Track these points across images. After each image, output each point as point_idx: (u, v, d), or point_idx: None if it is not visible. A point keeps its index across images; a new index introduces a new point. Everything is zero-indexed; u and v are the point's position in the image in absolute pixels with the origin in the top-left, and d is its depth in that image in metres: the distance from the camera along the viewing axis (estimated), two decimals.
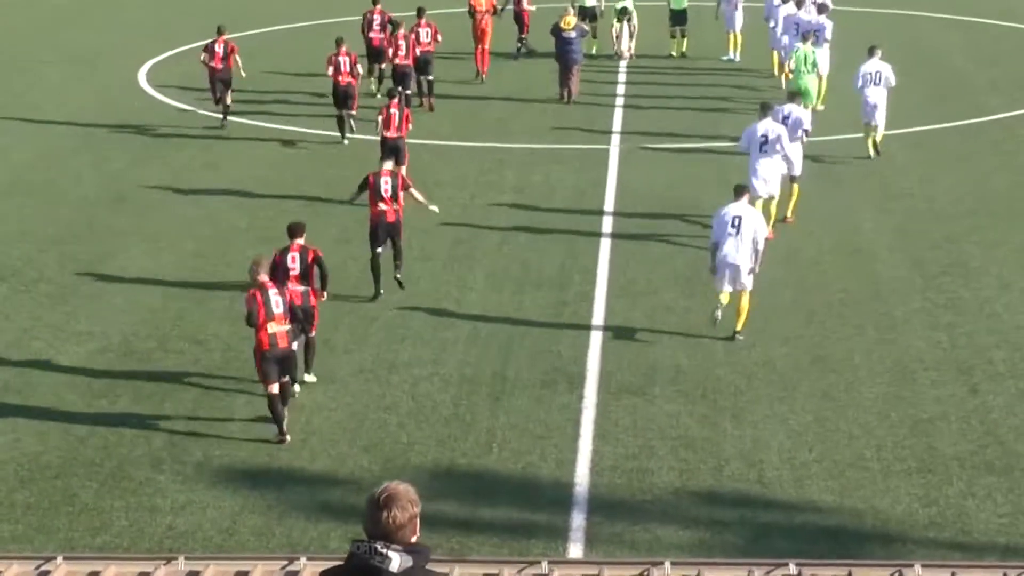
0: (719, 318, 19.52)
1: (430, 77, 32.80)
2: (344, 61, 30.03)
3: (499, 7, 37.10)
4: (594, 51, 37.68)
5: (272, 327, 16.75)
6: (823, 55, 31.24)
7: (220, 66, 31.13)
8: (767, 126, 23.68)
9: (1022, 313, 20.29)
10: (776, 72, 34.60)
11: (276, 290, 16.92)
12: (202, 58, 31.54)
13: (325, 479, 15.76)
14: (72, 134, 31.08)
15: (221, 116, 31.27)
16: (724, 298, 19.67)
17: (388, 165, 21.49)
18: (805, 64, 30.10)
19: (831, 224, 24.33)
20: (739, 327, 19.68)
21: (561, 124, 31.34)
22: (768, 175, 23.61)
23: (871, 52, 28.64)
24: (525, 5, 37.85)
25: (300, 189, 25.79)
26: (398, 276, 21.55)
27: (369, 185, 21.27)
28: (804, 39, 30.63)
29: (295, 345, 17.48)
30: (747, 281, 19.61)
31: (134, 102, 33.96)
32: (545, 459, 16.07)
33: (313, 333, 18.46)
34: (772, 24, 35.03)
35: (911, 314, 20.29)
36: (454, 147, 29.25)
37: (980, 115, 31.25)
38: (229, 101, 31.32)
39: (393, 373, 18.61)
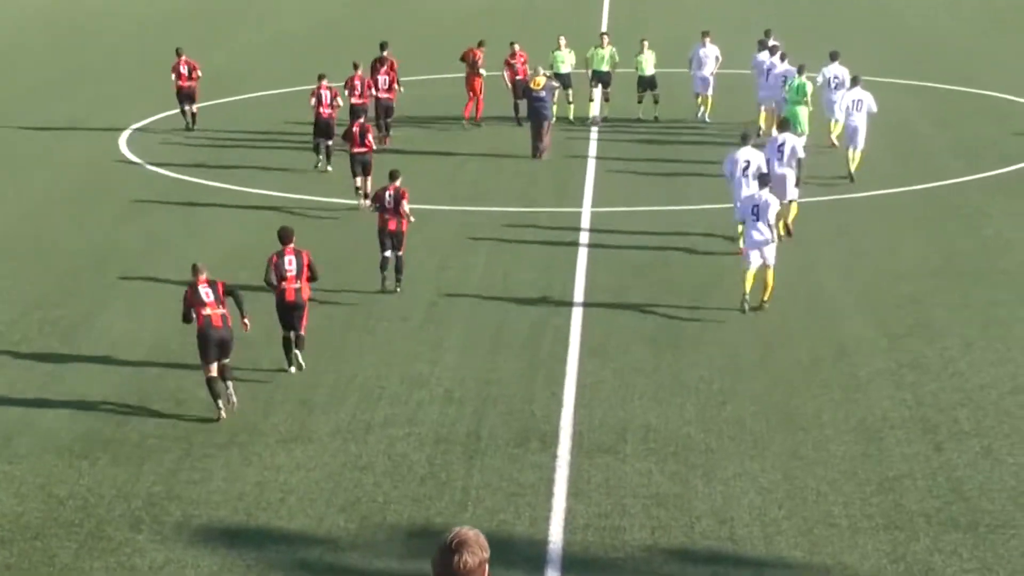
0: (746, 309, 22.69)
1: (389, 120, 35.27)
2: (325, 94, 32.53)
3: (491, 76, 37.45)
4: (571, 117, 37.86)
5: (206, 311, 19.25)
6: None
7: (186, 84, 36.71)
8: (747, 154, 25.82)
9: (985, 372, 20.34)
10: (763, 126, 34.89)
11: (206, 286, 19.48)
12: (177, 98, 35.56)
13: (303, 538, 15.67)
14: (55, 199, 31.04)
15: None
16: (749, 282, 22.76)
17: (397, 181, 24.58)
18: (798, 94, 32.51)
19: (797, 285, 24.41)
20: (766, 297, 22.95)
21: (534, 187, 31.41)
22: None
23: (854, 81, 31.98)
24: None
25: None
26: (399, 279, 24.39)
27: (377, 198, 24.57)
28: (799, 72, 33.02)
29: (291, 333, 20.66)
30: (770, 256, 22.91)
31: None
32: (519, 517, 16.00)
33: (303, 331, 20.80)
34: (763, 80, 35.52)
35: (877, 374, 20.32)
36: (428, 210, 29.29)
37: (941, 179, 31.42)
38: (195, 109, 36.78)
39: (370, 433, 18.55)
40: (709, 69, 37.42)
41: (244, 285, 24.47)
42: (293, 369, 20.78)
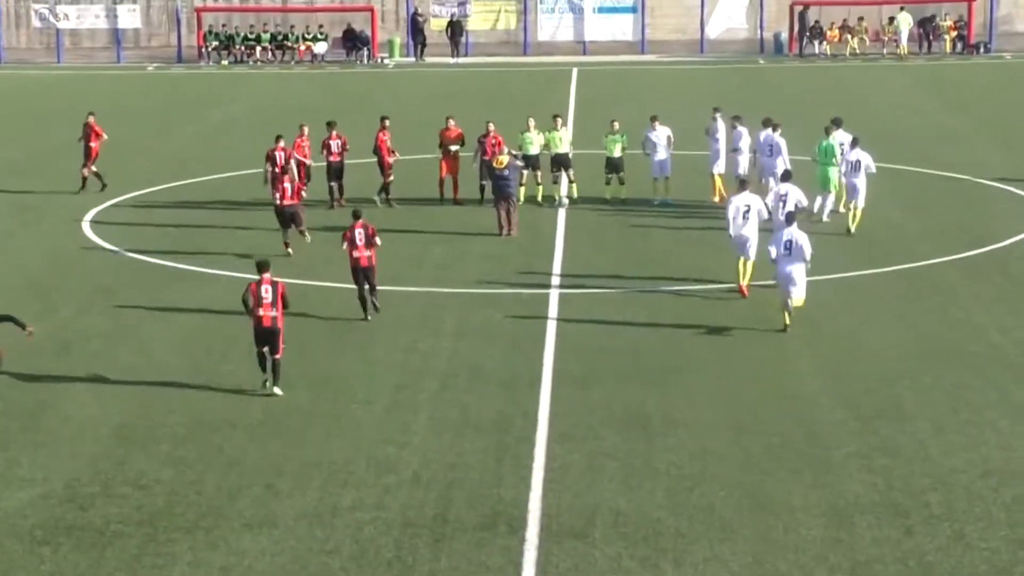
0: (788, 323, 25.98)
1: (342, 182, 37.38)
2: (280, 156, 35.07)
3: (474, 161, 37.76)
4: (539, 198, 38.03)
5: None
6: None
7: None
8: (747, 199, 28.83)
9: (956, 455, 20.46)
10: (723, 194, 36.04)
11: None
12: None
13: None
14: (16, 284, 30.99)
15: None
16: (788, 311, 26.03)
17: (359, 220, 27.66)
18: (827, 155, 34.73)
19: (766, 368, 24.55)
20: (788, 321, 26.12)
21: (501, 268, 31.49)
22: (751, 239, 28.50)
23: (854, 143, 34.54)
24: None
25: (244, 336, 25.76)
26: (374, 301, 27.36)
27: (346, 238, 27.44)
28: (827, 133, 35.14)
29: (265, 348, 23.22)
30: (802, 289, 26.18)
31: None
32: None
33: (279, 356, 23.08)
34: (743, 153, 37.01)
35: (847, 457, 20.41)
36: (395, 293, 29.36)
37: (910, 261, 31.70)
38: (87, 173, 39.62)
39: (336, 517, 18.54)
40: (663, 152, 37.79)
41: (210, 370, 24.56)
42: (268, 384, 23.12)
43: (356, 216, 28.10)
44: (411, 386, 23.85)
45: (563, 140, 38.13)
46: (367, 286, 27.50)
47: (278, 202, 32.83)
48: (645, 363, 24.89)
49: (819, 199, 34.89)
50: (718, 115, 38.26)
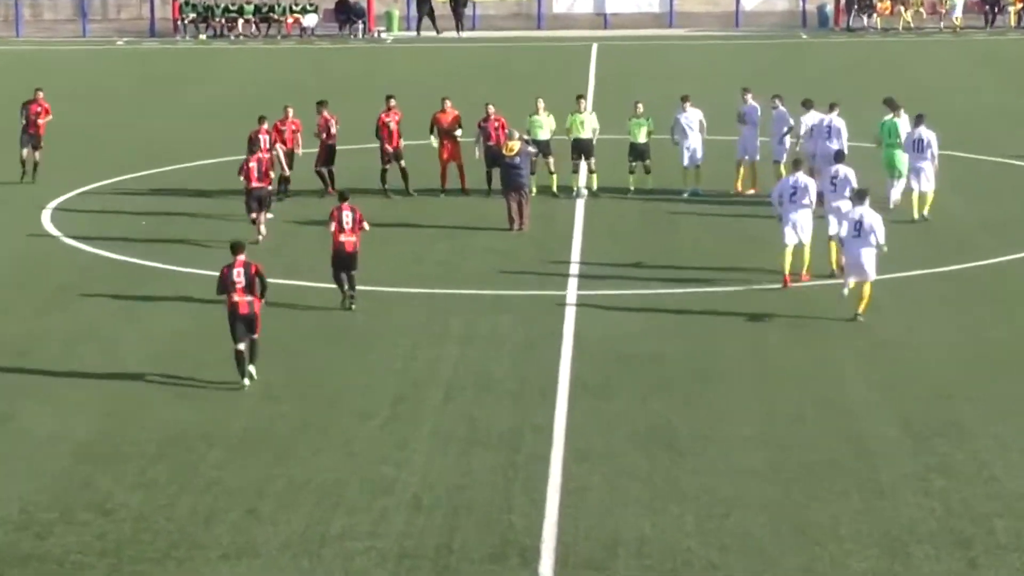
0: (861, 311, 26.75)
1: (333, 168, 37.75)
2: (263, 139, 35.32)
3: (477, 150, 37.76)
4: (554, 188, 37.91)
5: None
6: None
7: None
8: (799, 179, 29.33)
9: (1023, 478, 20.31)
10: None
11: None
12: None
13: None
14: None
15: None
16: (850, 286, 26.82)
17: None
18: (891, 136, 35.13)
19: (811, 377, 24.39)
20: (861, 310, 26.86)
21: (512, 267, 31.42)
22: (799, 223, 29.00)
23: (918, 121, 34.69)
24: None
25: (223, 340, 25.62)
26: (352, 294, 27.93)
27: (333, 218, 28.03)
28: (891, 108, 35.67)
29: (242, 346, 23.74)
30: (871, 272, 26.81)
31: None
32: None
33: (256, 335, 23.68)
34: (792, 137, 36.97)
35: (901, 479, 20.24)
36: (393, 294, 29.27)
37: (971, 258, 31.52)
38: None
39: (325, 546, 18.40)
40: (695, 138, 37.65)
41: (185, 378, 24.47)
42: (247, 381, 23.71)
43: (343, 197, 28.76)
44: (411, 397, 23.74)
45: (586, 124, 37.99)
46: (346, 274, 28.13)
47: (248, 185, 33.28)
48: (672, 371, 24.80)
49: (890, 185, 35.04)
50: (748, 96, 38.14)
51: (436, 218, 35.82)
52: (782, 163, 36.34)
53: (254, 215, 33.45)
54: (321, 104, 38.21)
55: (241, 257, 24.07)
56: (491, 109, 37.79)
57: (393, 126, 37.72)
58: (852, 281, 26.99)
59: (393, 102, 38.24)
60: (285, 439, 21.95)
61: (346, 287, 28.19)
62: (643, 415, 22.77)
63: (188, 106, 53.55)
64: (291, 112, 37.77)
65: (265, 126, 36.04)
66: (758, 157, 37.64)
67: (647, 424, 22.38)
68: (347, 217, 28.18)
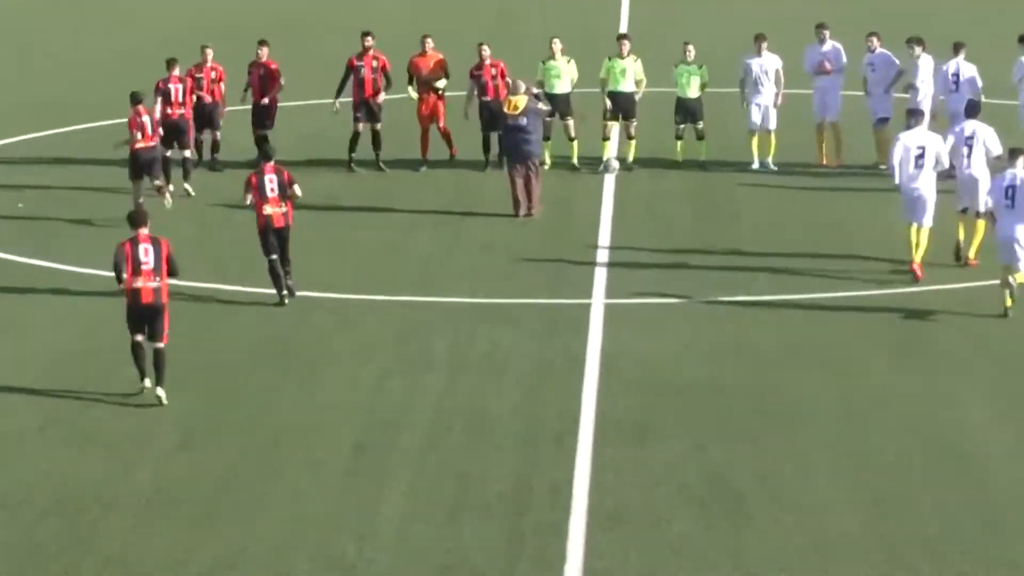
0: (1010, 305, 27.83)
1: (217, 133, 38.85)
2: (175, 89, 36.76)
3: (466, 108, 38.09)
4: (574, 159, 37.94)
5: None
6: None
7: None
8: (920, 138, 30.38)
9: None
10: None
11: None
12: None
13: None
14: None
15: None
16: (1010, 288, 27.87)
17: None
18: None
19: (922, 414, 24.37)
20: (1011, 303, 27.91)
21: (517, 266, 31.41)
22: (924, 194, 30.02)
23: None
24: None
25: (124, 362, 25.55)
26: (289, 283, 28.93)
27: (251, 184, 28.83)
28: None
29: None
30: None
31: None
32: None
33: (164, 343, 24.41)
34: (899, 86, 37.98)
35: None
36: (356, 302, 29.23)
37: None
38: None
39: None
40: (770, 93, 37.71)
41: (76, 416, 24.38)
42: (148, 383, 24.49)
43: (266, 157, 29.40)
44: (380, 442, 23.75)
45: (628, 73, 37.98)
46: (280, 257, 28.85)
47: (132, 144, 34.19)
48: (731, 405, 24.80)
49: None
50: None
51: (415, 199, 35.90)
52: (889, 121, 36.59)
53: (157, 182, 34.27)
54: (262, 44, 38.33)
55: (145, 231, 24.74)
56: (486, 51, 37.84)
57: (367, 73, 37.99)
58: (1014, 269, 27.99)
59: (371, 40, 38.37)
60: (209, 499, 21.86)
61: (281, 272, 28.72)
62: (694, 465, 22.77)
63: (90, 53, 53.74)
64: (210, 54, 38.09)
65: (176, 72, 36.61)
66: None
67: (700, 477, 22.37)
68: (270, 183, 28.59)
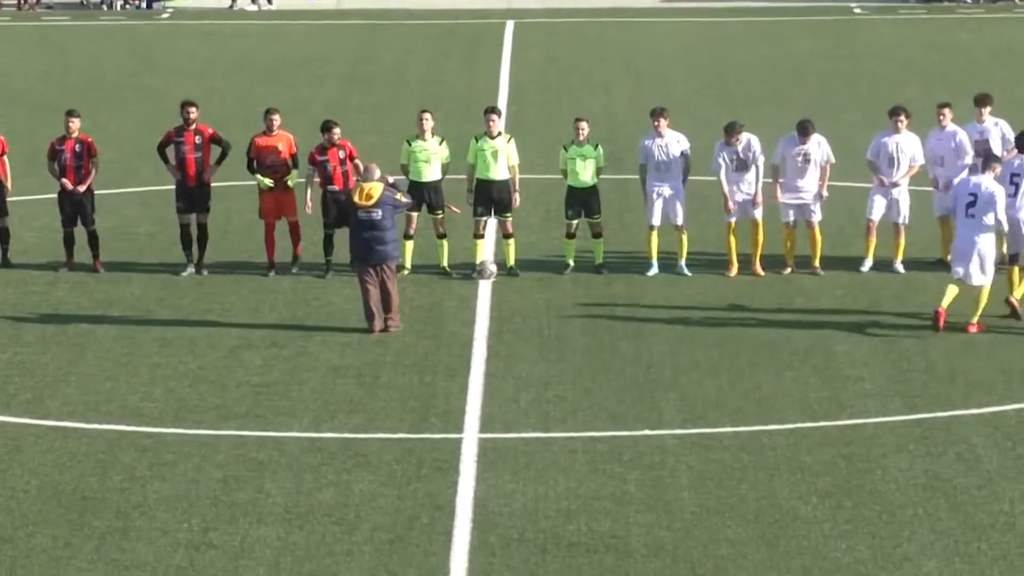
0: None
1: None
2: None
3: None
4: (444, 264, 37.86)
5: None
6: None
7: None
8: (982, 181, 32.97)
9: None
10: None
11: None
12: None
13: None
14: None
15: None
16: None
17: None
18: None
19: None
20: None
21: (372, 393, 31.35)
22: (982, 250, 32.80)
23: None
24: None
25: None
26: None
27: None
28: None
29: None
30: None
31: None
32: None
33: None
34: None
35: None
36: (173, 437, 29.04)
37: None
38: None
39: None
40: (673, 175, 37.75)
41: None
42: None
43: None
44: None
45: (500, 156, 37.83)
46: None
47: None
48: (635, 570, 24.66)
49: None
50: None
51: (246, 312, 35.63)
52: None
53: None
54: (71, 114, 38.68)
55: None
56: (336, 131, 37.69)
57: (189, 151, 38.11)
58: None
59: (194, 112, 38.37)
60: None
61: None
62: None
63: None
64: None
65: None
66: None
67: None
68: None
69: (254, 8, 73.39)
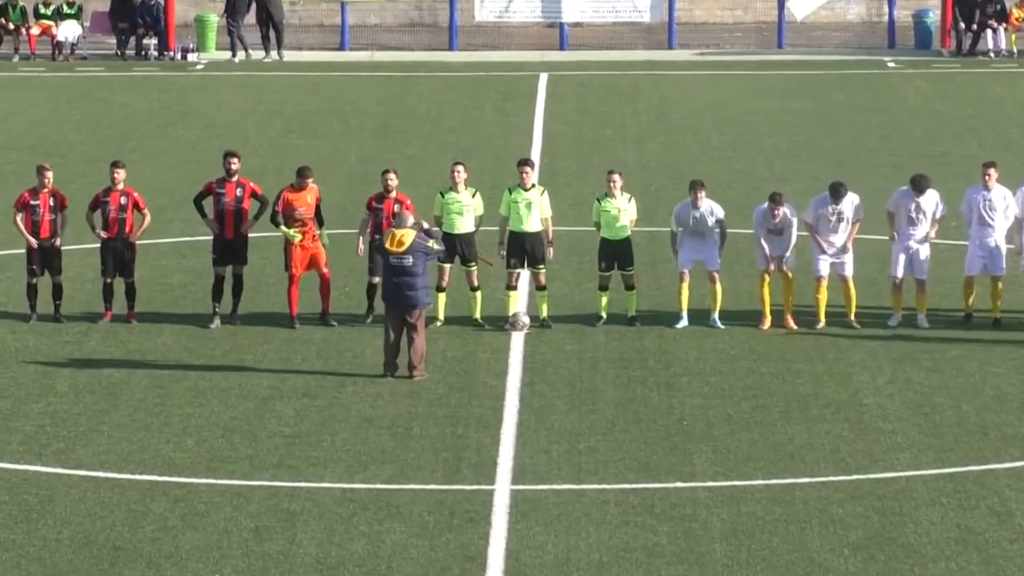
0: None
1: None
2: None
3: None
4: (476, 315, 37.76)
5: None
6: None
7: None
8: (998, 192, 36.26)
9: None
10: None
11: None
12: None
13: None
14: None
15: None
16: None
17: None
18: None
19: None
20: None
21: (404, 444, 31.30)
22: (996, 246, 36.05)
23: None
24: None
25: None
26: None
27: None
28: None
29: None
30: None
31: None
32: None
33: None
34: None
35: None
36: (205, 488, 29.02)
37: None
38: None
39: None
40: (712, 243, 37.69)
41: None
42: None
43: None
44: None
45: (533, 209, 37.74)
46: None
47: None
48: None
49: None
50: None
51: (278, 361, 35.65)
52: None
53: None
54: (116, 165, 38.70)
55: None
56: (392, 180, 37.56)
57: (230, 203, 38.00)
58: None
59: (236, 163, 38.39)
60: None
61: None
62: None
63: None
64: (50, 176, 38.32)
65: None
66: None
67: None
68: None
69: (268, 60, 73.00)
